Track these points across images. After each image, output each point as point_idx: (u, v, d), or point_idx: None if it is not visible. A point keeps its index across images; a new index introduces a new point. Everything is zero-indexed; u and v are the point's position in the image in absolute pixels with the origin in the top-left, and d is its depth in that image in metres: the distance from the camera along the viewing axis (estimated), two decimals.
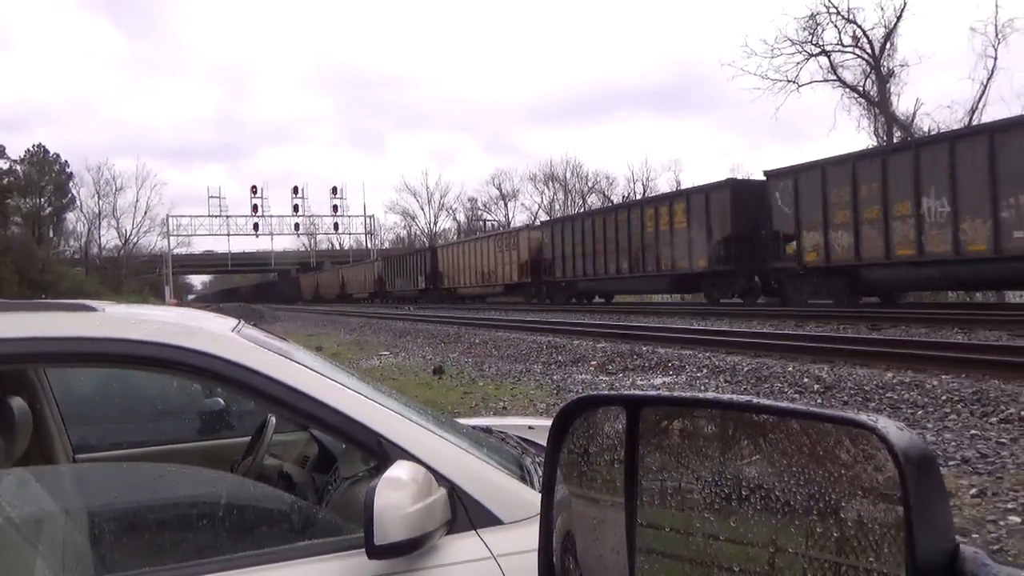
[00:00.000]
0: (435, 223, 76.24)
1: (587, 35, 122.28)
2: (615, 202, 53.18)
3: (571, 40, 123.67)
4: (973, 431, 5.17)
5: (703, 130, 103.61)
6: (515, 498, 1.39)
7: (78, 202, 65.97)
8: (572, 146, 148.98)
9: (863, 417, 0.55)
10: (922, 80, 47.53)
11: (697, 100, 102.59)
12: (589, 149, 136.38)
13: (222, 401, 2.51)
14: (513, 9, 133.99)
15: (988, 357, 7.54)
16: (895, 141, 28.06)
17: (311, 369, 1.45)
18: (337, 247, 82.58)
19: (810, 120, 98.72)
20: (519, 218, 66.62)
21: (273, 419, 2.06)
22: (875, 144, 30.59)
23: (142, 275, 67.45)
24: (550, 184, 68.15)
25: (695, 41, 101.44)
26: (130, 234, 67.59)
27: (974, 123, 26.47)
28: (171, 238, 65.33)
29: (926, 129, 30.92)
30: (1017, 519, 3.47)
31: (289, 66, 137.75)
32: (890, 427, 0.53)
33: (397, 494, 1.21)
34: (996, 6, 29.37)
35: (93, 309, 1.46)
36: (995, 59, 29.70)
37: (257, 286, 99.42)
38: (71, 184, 65.02)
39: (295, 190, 68.13)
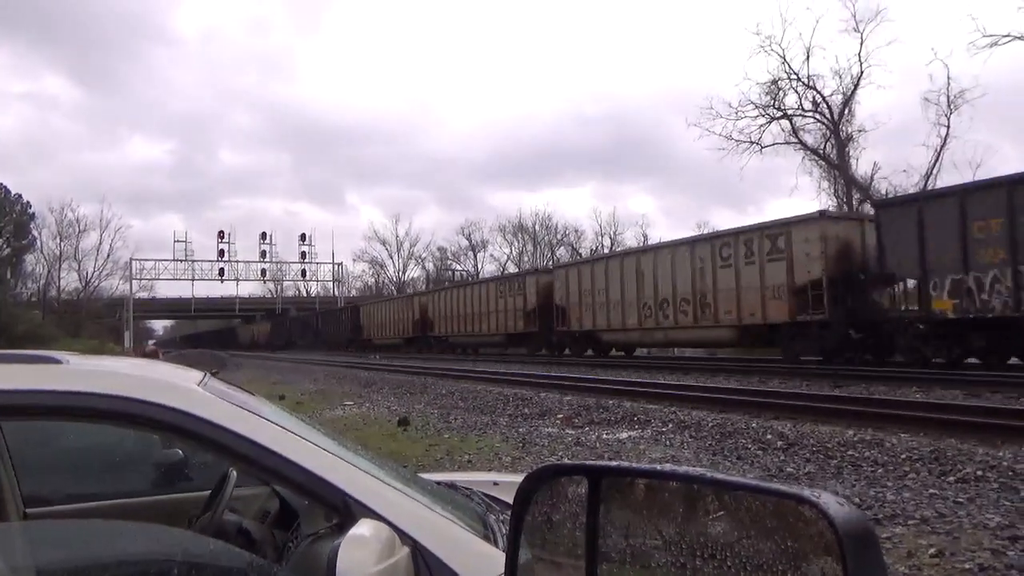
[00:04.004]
0: (404, 272, 76.24)
1: (531, 101, 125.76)
2: (583, 255, 53.67)
3: (517, 106, 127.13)
4: (931, 490, 5.25)
5: (647, 191, 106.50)
6: (478, 557, 1.38)
7: (39, 243, 64.70)
8: (525, 202, 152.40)
9: (807, 492, 0.58)
10: (879, 144, 49.85)
11: (641, 162, 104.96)
12: (539, 205, 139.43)
13: (181, 452, 2.46)
14: (463, 71, 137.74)
15: (945, 416, 7.71)
16: (853, 203, 28.96)
17: (277, 425, 1.45)
18: (304, 294, 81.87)
19: (754, 185, 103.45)
20: (488, 268, 66.92)
21: (234, 473, 2.02)
22: (835, 206, 31.51)
23: (102, 319, 65.87)
24: (519, 236, 68.82)
25: (636, 107, 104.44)
26: (91, 277, 66.25)
27: (929, 188, 27.52)
28: (133, 282, 64.24)
29: (884, 192, 32.08)
30: None
31: (246, 120, 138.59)
32: (831, 502, 0.56)
33: (360, 554, 1.20)
34: (948, 78, 30.80)
35: (57, 361, 1.44)
36: (948, 128, 31.15)
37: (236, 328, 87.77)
38: (32, 225, 63.88)
39: (263, 236, 67.83)
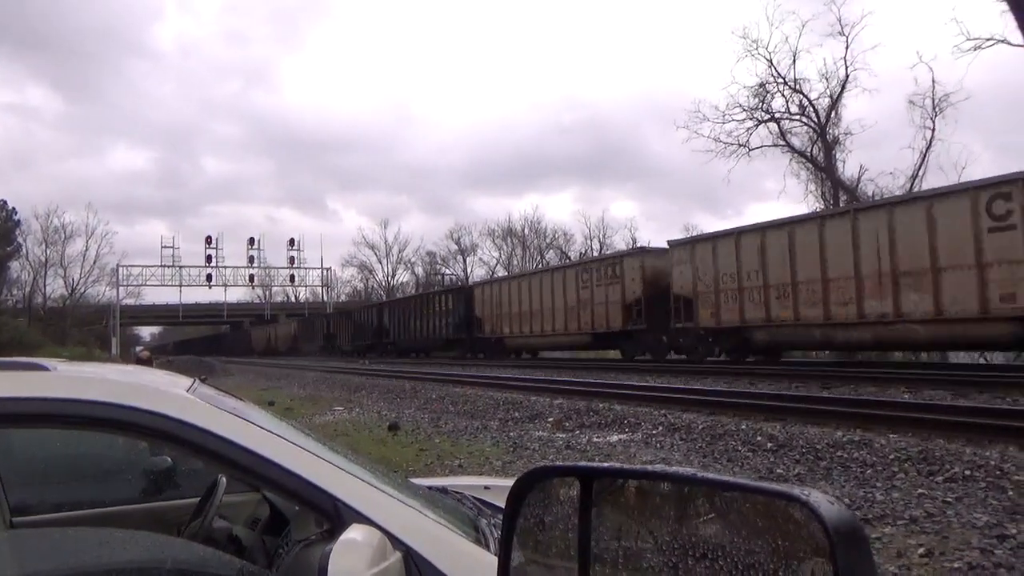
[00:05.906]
0: (393, 276, 76.02)
1: (511, 108, 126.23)
2: (572, 259, 53.57)
3: (497, 113, 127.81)
4: (920, 490, 5.28)
5: (629, 195, 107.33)
6: (470, 561, 1.38)
7: (24, 250, 64.10)
8: (509, 207, 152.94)
9: (796, 491, 0.59)
10: (866, 147, 50.07)
11: (622, 168, 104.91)
12: (526, 209, 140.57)
13: (170, 459, 2.44)
14: (442, 78, 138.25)
15: (933, 416, 7.74)
16: (840, 206, 29.17)
17: (266, 429, 1.44)
18: (292, 300, 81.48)
19: (736, 189, 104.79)
20: (477, 272, 66.83)
21: (224, 479, 2.01)
22: (821, 208, 31.68)
23: (88, 326, 65.29)
24: (508, 240, 68.78)
25: (614, 112, 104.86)
26: (77, 284, 65.66)
27: (915, 190, 27.75)
28: (120, 288, 63.77)
29: (870, 194, 32.29)
30: None
31: (228, 129, 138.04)
32: (821, 501, 0.56)
33: (352, 559, 1.19)
34: (933, 82, 31.00)
35: (45, 368, 1.43)
36: (933, 131, 31.32)
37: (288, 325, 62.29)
38: (17, 232, 63.27)
39: (251, 241, 67.49)
